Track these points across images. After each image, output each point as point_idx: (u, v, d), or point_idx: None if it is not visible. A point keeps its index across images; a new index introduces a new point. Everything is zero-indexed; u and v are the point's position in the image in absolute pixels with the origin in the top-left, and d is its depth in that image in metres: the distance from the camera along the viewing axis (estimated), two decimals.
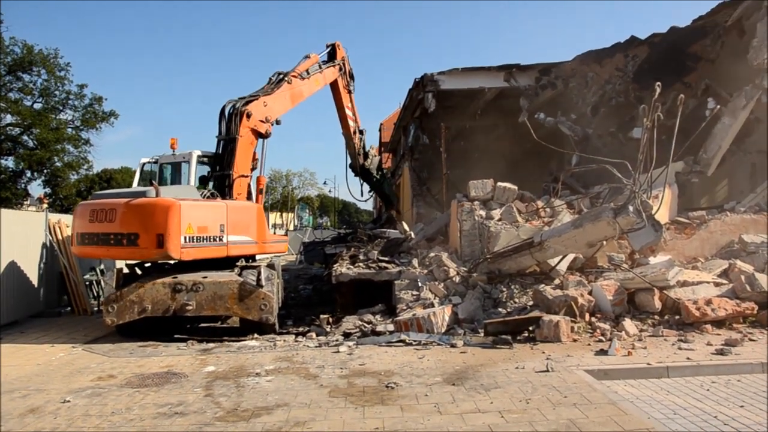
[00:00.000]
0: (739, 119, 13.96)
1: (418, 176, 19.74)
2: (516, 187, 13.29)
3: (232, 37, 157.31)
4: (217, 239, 10.92)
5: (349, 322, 10.93)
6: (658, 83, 10.02)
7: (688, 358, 8.02)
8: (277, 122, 13.35)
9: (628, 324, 9.39)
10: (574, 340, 9.01)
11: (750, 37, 13.79)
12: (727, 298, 10.07)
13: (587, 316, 9.83)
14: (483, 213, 12.66)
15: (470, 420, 5.74)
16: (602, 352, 8.28)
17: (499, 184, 13.26)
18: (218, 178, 12.24)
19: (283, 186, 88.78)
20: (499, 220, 12.46)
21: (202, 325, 12.45)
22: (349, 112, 16.94)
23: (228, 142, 12.33)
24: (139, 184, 13.32)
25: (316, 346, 9.60)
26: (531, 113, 18.09)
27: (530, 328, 9.26)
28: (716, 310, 9.70)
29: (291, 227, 54.21)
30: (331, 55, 16.23)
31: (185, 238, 10.20)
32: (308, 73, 14.59)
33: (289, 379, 7.38)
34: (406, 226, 15.36)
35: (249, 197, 12.65)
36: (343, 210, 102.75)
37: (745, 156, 16.95)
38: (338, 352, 8.86)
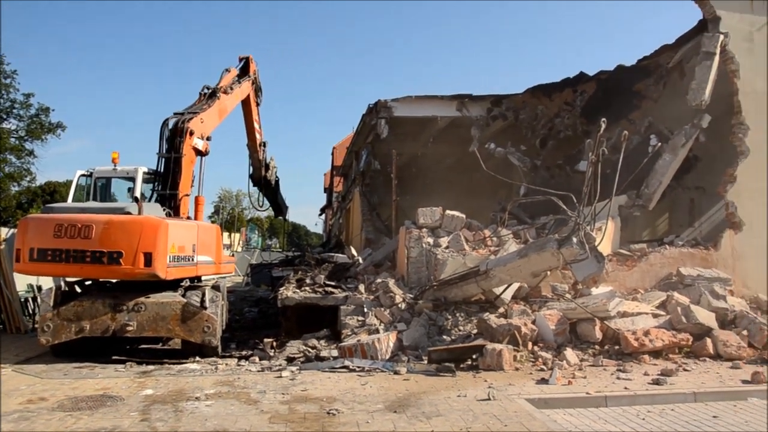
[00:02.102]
0: (678, 156, 14.49)
1: (369, 201, 19.83)
2: (464, 216, 13.52)
3: (178, 53, 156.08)
4: (190, 259, 10.94)
5: (294, 347, 10.87)
6: (604, 119, 10.40)
7: (625, 388, 8.26)
8: (208, 139, 13.22)
9: (570, 353, 9.62)
10: (517, 369, 9.18)
11: (689, 79, 14.38)
12: (665, 329, 10.45)
13: (530, 345, 10.02)
14: (431, 240, 12.84)
15: None
16: (543, 381, 8.46)
17: (448, 212, 13.46)
18: (163, 197, 12.03)
19: (233, 206, 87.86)
20: (447, 248, 12.64)
21: (143, 346, 12.19)
22: (256, 125, 16.99)
23: (171, 160, 12.10)
24: (74, 198, 12.93)
25: (258, 371, 9.53)
26: (482, 143, 18.37)
27: (474, 356, 9.40)
28: (654, 341, 10.04)
29: (238, 248, 53.62)
30: (244, 69, 16.15)
31: (169, 257, 10.15)
32: (231, 88, 14.58)
33: (229, 404, 7.30)
34: (354, 251, 15.43)
35: (189, 217, 12.57)
36: (293, 232, 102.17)
37: (685, 192, 17.64)
38: (281, 377, 8.81)
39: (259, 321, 16.83)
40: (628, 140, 15.84)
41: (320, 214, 51.01)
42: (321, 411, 6.95)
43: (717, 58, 14.05)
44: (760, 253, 13.95)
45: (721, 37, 14.17)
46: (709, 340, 10.30)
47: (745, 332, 10.63)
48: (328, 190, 41.51)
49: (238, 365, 10.25)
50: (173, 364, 10.26)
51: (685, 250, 13.76)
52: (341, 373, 9.07)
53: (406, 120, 18.72)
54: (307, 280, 13.22)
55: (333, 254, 17.38)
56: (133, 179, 13.03)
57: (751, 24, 14.73)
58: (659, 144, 15.24)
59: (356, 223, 22.78)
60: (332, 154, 42.98)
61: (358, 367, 9.19)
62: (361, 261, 14.68)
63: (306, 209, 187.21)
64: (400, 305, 11.42)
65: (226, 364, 10.25)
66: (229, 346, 12.31)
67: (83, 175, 13.26)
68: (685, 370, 9.36)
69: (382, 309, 11.39)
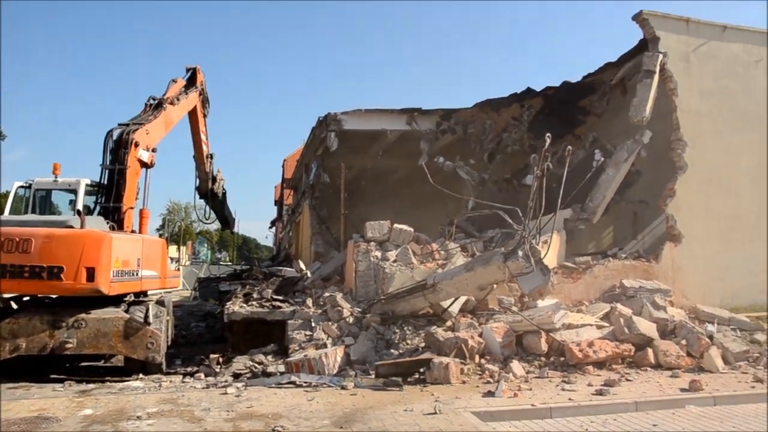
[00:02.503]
0: (621, 171, 14.91)
1: (318, 215, 19.79)
2: (412, 230, 13.60)
3: (124, 63, 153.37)
4: (135, 273, 10.73)
5: (240, 363, 10.73)
6: (548, 134, 10.64)
7: (570, 399, 8.41)
8: (154, 150, 13.03)
9: (516, 366, 9.75)
10: (464, 382, 9.24)
11: (631, 96, 14.84)
12: (608, 340, 10.67)
13: (477, 357, 10.11)
14: (379, 254, 12.87)
15: None
16: (490, 394, 8.55)
17: (396, 225, 13.53)
18: (106, 209, 11.76)
19: (182, 219, 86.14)
20: (395, 261, 12.69)
21: (83, 364, 11.83)
22: (203, 137, 16.81)
23: (115, 172, 11.85)
24: (11, 210, 12.60)
25: (203, 388, 9.36)
26: (431, 157, 18.58)
27: (421, 370, 9.42)
28: (597, 352, 10.24)
29: (186, 262, 52.76)
30: (191, 80, 15.99)
31: (113, 272, 9.93)
32: (178, 99, 14.40)
33: (171, 423, 7.14)
34: (302, 265, 15.35)
35: (133, 231, 12.32)
36: (243, 245, 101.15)
37: (628, 205, 18.12)
38: (226, 393, 8.66)
39: (207, 336, 16.55)
40: (573, 155, 16.41)
41: (270, 227, 50.52)
42: (266, 428, 6.86)
43: (657, 77, 14.55)
44: (698, 264, 14.53)
45: (661, 56, 14.69)
46: (650, 350, 10.56)
47: (684, 342, 10.95)
48: (279, 203, 41.20)
49: (183, 382, 10.06)
50: (115, 382, 10.00)
51: (627, 263, 14.13)
52: (288, 388, 8.97)
53: (355, 133, 18.76)
54: (255, 295, 13.11)
55: (281, 268, 17.24)
56: (75, 191, 12.73)
57: (688, 45, 15.33)
58: (603, 159, 15.66)
59: (306, 236, 22.70)
60: (283, 166, 42.76)
61: (305, 382, 9.12)
62: (309, 275, 14.61)
63: (257, 222, 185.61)
64: (347, 319, 11.40)
65: (170, 381, 10.05)
66: (174, 363, 12.07)
67: (21, 187, 12.91)
68: (627, 380, 9.58)
69: (330, 323, 11.34)
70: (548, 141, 10.57)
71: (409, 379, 9.26)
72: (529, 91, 17.87)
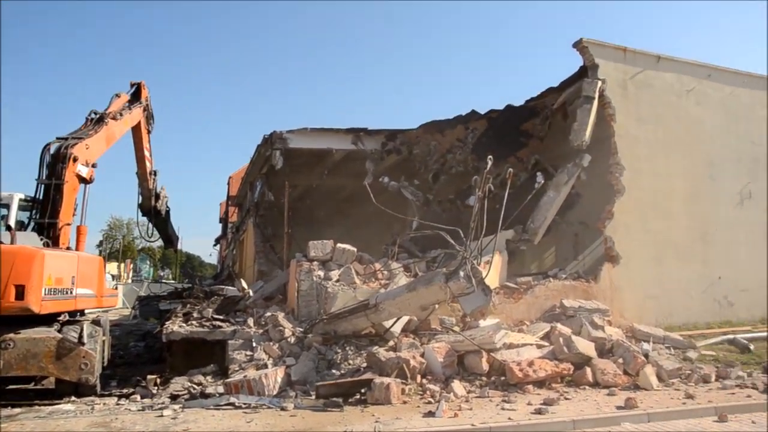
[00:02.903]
0: (562, 193, 15.29)
1: (262, 233, 19.61)
2: (355, 249, 13.59)
3: (65, 76, 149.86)
4: (69, 292, 10.37)
5: (178, 384, 10.46)
6: (490, 156, 10.84)
7: (509, 419, 8.45)
8: (94, 166, 12.65)
9: (457, 385, 9.78)
10: (405, 402, 9.21)
11: (572, 120, 15.26)
12: (548, 360, 10.80)
13: (419, 377, 10.11)
14: (321, 273, 12.80)
15: None
16: (430, 414, 8.53)
17: (339, 245, 13.50)
18: (41, 225, 11.35)
19: (123, 235, 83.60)
20: (338, 281, 12.63)
21: (11, 387, 11.32)
22: (147, 153, 16.55)
23: (52, 187, 11.48)
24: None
25: (138, 410, 9.10)
26: (376, 176, 18.67)
27: (362, 391, 9.36)
28: (537, 371, 10.35)
29: (128, 280, 51.38)
30: (135, 95, 15.75)
31: (45, 290, 9.56)
32: (121, 114, 14.14)
33: None
34: (244, 284, 15.14)
35: (69, 248, 11.88)
36: (187, 263, 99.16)
37: (569, 227, 18.54)
38: (162, 416, 8.44)
39: (145, 356, 16.09)
40: (515, 177, 16.73)
41: (215, 245, 49.70)
42: None
43: (596, 102, 15.02)
44: (635, 284, 14.94)
45: (599, 83, 15.17)
46: (588, 369, 10.75)
47: (621, 360, 11.17)
48: (224, 221, 40.63)
49: (118, 404, 9.76)
50: (44, 405, 9.61)
51: (567, 283, 14.42)
52: (226, 410, 8.79)
53: (301, 152, 18.72)
54: (195, 314, 12.85)
55: (223, 287, 16.97)
56: (7, 206, 12.19)
57: (625, 72, 15.88)
58: (544, 181, 16.00)
59: (249, 254, 22.44)
60: (228, 183, 42.28)
61: (245, 403, 8.96)
62: (251, 294, 14.40)
63: (202, 239, 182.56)
64: (289, 339, 11.27)
65: (104, 404, 9.74)
66: (110, 384, 11.69)
67: None
68: (566, 398, 9.70)
69: (271, 343, 11.18)
70: (490, 163, 10.76)
71: (350, 400, 9.18)
72: (473, 114, 18.19)
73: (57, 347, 9.70)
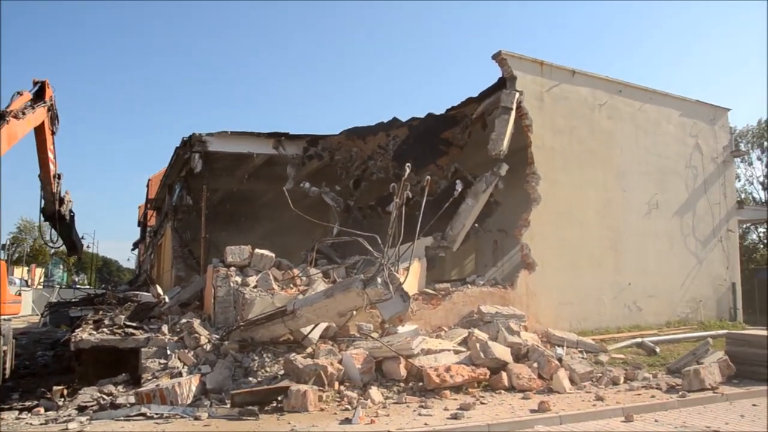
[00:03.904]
0: (480, 201, 15.51)
1: (180, 237, 19.06)
2: (273, 255, 13.36)
3: None
4: None
5: (87, 394, 9.91)
6: (408, 164, 10.91)
7: (425, 424, 8.48)
8: None
9: (374, 392, 9.73)
10: (322, 410, 9.09)
11: (491, 130, 15.52)
12: (465, 365, 10.93)
13: (336, 384, 10.01)
14: (239, 279, 12.51)
15: None
16: (347, 421, 8.46)
17: (257, 251, 13.24)
18: None
19: (35, 238, 79.16)
20: (255, 287, 12.37)
21: None
22: (50, 155, 15.86)
23: None
24: None
25: (41, 424, 8.60)
26: (297, 182, 18.51)
27: (278, 398, 9.18)
28: (454, 377, 10.45)
29: (38, 285, 48.78)
30: (39, 94, 15.06)
31: None
32: (23, 113, 13.46)
33: None
34: (159, 290, 14.58)
35: None
36: (104, 267, 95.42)
37: (488, 234, 18.91)
38: (66, 429, 8.01)
39: (54, 366, 15.27)
40: (435, 184, 16.92)
41: (133, 249, 48.03)
42: None
43: (513, 113, 15.30)
44: (551, 290, 15.31)
45: (517, 94, 15.48)
46: (504, 374, 10.95)
47: (535, 365, 11.46)
48: (142, 224, 39.30)
49: (18, 419, 9.19)
50: None
51: (485, 289, 14.63)
52: (137, 421, 8.42)
53: (221, 155, 18.37)
54: (107, 321, 12.29)
55: (137, 293, 16.37)
56: None
57: (542, 85, 16.30)
58: (463, 188, 16.23)
59: (167, 259, 21.82)
60: (147, 186, 41.04)
61: (156, 413, 8.61)
62: (167, 300, 13.92)
63: (120, 243, 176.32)
64: (205, 347, 10.92)
65: (2, 419, 9.15)
66: (11, 397, 11.03)
67: None
68: (482, 403, 9.84)
69: (186, 351, 10.82)
70: (408, 170, 10.84)
71: (266, 408, 8.99)
72: (395, 121, 18.28)
73: None
